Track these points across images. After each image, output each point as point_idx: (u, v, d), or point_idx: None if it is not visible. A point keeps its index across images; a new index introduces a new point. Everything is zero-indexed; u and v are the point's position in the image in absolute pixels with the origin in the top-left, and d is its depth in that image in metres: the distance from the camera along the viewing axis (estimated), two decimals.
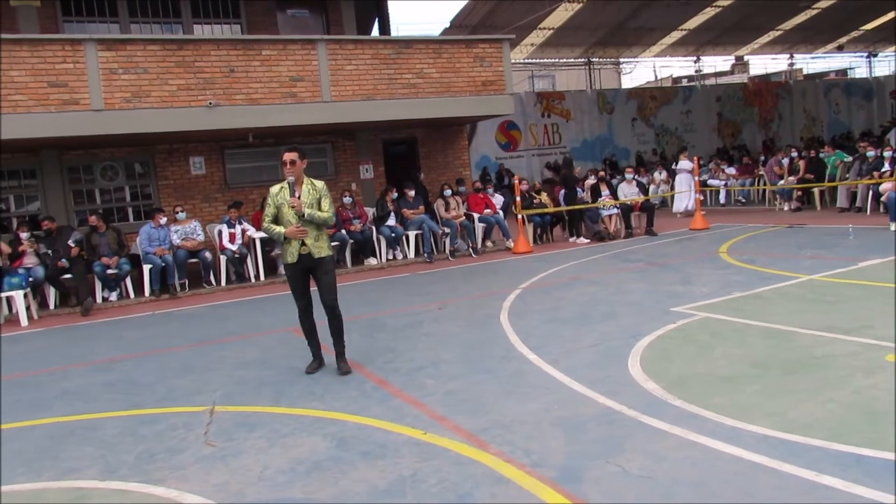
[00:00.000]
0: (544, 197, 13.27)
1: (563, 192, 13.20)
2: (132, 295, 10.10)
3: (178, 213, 10.57)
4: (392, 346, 6.29)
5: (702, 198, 14.75)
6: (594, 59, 26.04)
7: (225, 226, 10.64)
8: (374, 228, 11.76)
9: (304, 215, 5.29)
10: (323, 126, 11.57)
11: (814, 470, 3.14)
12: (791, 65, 32.13)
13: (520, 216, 12.05)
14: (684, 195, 15.45)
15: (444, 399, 4.67)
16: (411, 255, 12.04)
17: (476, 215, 12.43)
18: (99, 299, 9.89)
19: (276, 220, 5.46)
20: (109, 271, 9.78)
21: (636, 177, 13.93)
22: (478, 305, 7.79)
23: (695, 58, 27.75)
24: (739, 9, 23.22)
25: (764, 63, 32.75)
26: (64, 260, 9.49)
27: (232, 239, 10.59)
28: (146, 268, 10.06)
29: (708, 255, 9.74)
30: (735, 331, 5.62)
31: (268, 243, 11.09)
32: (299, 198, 5.30)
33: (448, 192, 12.43)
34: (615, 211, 12.75)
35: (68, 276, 9.55)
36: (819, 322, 5.58)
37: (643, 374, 4.75)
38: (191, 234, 10.50)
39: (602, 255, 10.86)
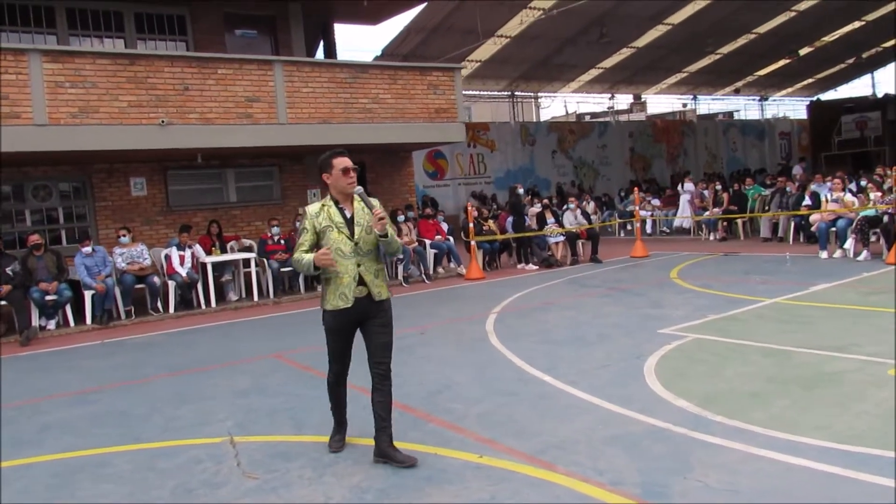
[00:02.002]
0: (492, 224, 13.46)
1: (510, 219, 13.43)
2: (72, 323, 9.37)
3: (122, 236, 9.93)
4: (393, 370, 6.13)
5: (638, 225, 15.39)
6: (517, 93, 26.79)
7: (175, 248, 10.11)
8: None
9: (386, 234, 3.95)
10: (273, 148, 11.29)
11: (886, 476, 3.31)
12: (684, 105, 34.30)
13: (472, 243, 12.14)
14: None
15: (480, 422, 4.60)
16: None
17: (428, 241, 12.42)
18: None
19: (312, 249, 4.00)
20: (48, 297, 9.04)
21: (580, 206, 14.34)
22: (459, 330, 7.76)
23: (609, 95, 29.10)
24: (653, 51, 24.66)
25: (660, 102, 34.76)
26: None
27: (182, 262, 10.07)
28: (88, 294, 9.38)
29: (662, 280, 10.15)
30: (734, 350, 5.87)
31: (218, 269, 10.62)
32: (352, 219, 3.95)
33: (401, 217, 12.37)
34: (561, 238, 13.08)
35: (2, 302, 8.75)
36: (808, 341, 5.92)
37: (668, 391, 4.87)
38: (137, 258, 9.90)
39: (556, 280, 11.09)
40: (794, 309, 7.40)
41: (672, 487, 3.41)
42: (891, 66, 32.90)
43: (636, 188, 15.07)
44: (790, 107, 35.02)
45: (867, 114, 31.36)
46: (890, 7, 24.82)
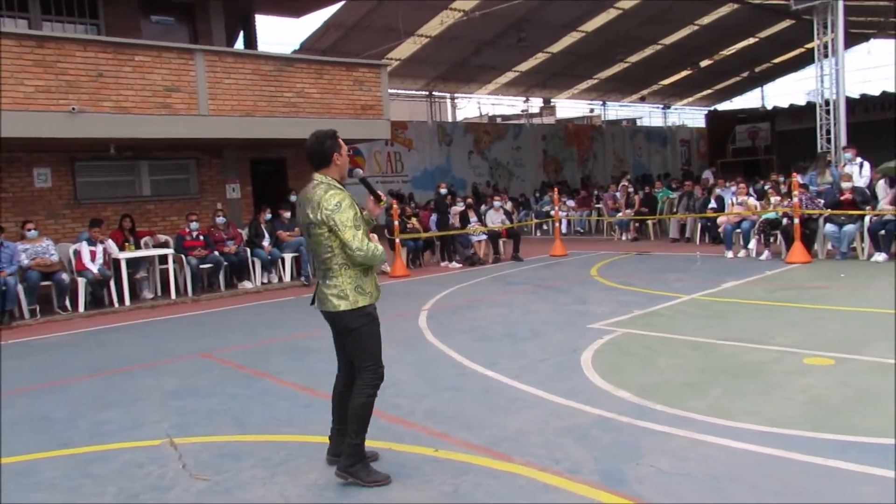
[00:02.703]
0: (415, 222, 13.47)
1: (434, 217, 13.48)
2: None
3: (28, 230, 9.28)
4: (332, 368, 6.03)
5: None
6: (435, 93, 26.93)
7: (85, 244, 9.54)
8: (248, 251, 11.18)
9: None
10: (191, 141, 10.87)
11: (820, 456, 3.56)
12: (591, 110, 35.53)
13: (397, 240, 12.11)
14: None
15: (430, 417, 4.61)
16: (287, 278, 11.60)
17: None
18: None
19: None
20: None
21: (503, 205, 14.56)
22: (392, 328, 7.66)
23: (524, 98, 29.73)
24: (566, 57, 25.39)
25: (568, 107, 35.75)
26: None
27: (93, 258, 9.52)
28: None
29: (584, 278, 10.47)
30: (662, 343, 6.14)
31: (132, 265, 10.10)
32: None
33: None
34: (484, 237, 13.26)
35: None
36: (728, 334, 6.26)
37: (607, 383, 5.04)
38: (43, 254, 9.28)
39: (481, 278, 11.23)
40: (711, 304, 7.82)
41: (627, 473, 3.53)
42: (779, 80, 35.28)
43: (555, 189, 15.45)
44: (690, 116, 36.91)
45: (758, 124, 33.44)
46: (781, 26, 26.66)
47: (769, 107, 35.47)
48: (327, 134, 3.64)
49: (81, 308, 9.48)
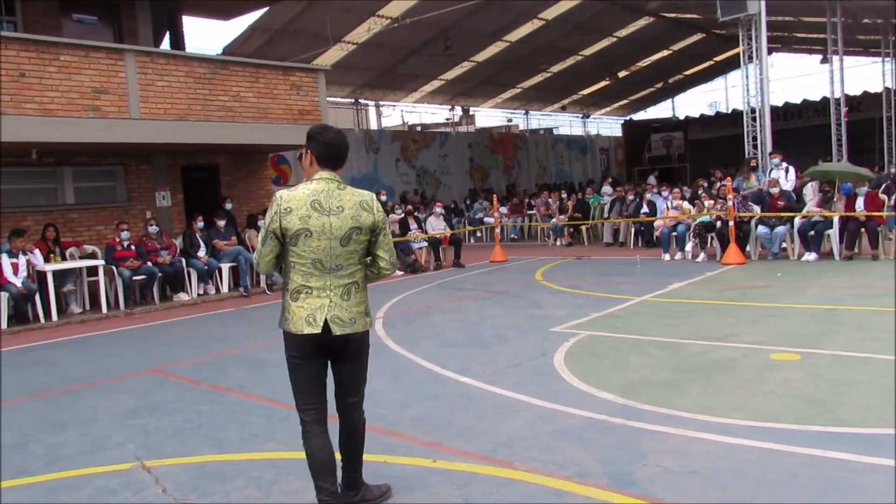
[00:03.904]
0: None
1: None
2: None
3: None
4: None
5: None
6: (361, 100, 26.66)
7: (5, 255, 8.83)
8: (183, 261, 10.66)
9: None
10: (119, 146, 10.28)
11: (816, 447, 3.65)
12: (509, 119, 36.12)
13: None
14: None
15: (417, 426, 4.47)
16: (225, 289, 11.13)
17: None
18: None
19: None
20: None
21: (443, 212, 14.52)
22: None
23: (450, 106, 29.86)
24: (491, 66, 25.69)
25: (488, 116, 36.18)
26: None
27: (15, 271, 8.82)
28: None
29: (531, 283, 10.54)
30: (629, 344, 6.22)
31: (59, 278, 9.44)
32: None
33: (262, 223, 11.77)
34: (425, 244, 13.17)
35: None
36: (690, 333, 6.42)
37: (587, 385, 5.05)
38: None
39: (427, 285, 11.13)
40: (664, 305, 8.01)
41: (636, 475, 3.52)
42: (690, 91, 36.95)
43: (494, 196, 15.55)
44: (607, 125, 38.08)
45: (672, 133, 34.95)
46: (692, 40, 27.95)
47: (681, 117, 37.11)
48: (343, 132, 3.18)
49: (4, 324, 8.76)
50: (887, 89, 20.26)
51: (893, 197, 10.35)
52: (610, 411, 4.46)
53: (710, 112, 36.40)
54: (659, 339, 6.33)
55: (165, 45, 13.22)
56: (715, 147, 31.98)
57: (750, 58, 13.15)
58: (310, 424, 3.08)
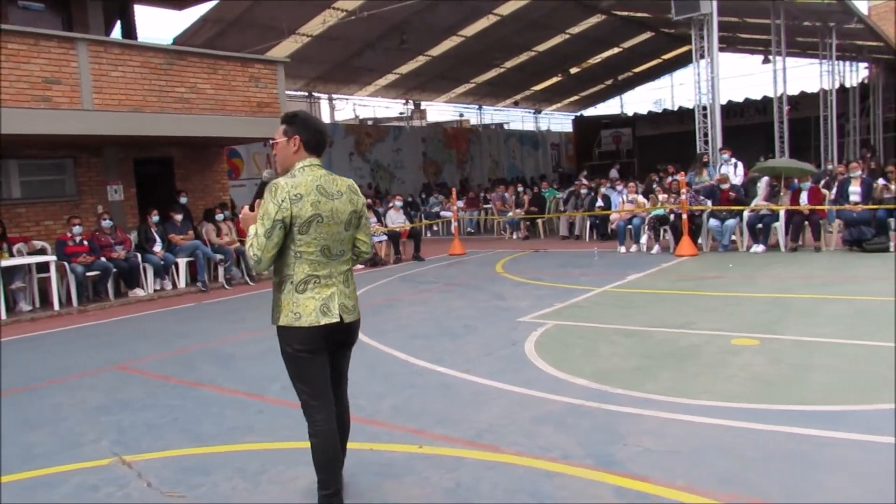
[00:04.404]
0: None
1: None
2: None
3: None
4: (269, 373, 5.76)
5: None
6: (315, 93, 26.39)
7: None
8: (139, 256, 10.40)
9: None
10: (70, 139, 9.98)
11: (784, 425, 3.85)
12: (461, 115, 36.30)
13: None
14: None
15: (397, 415, 4.52)
16: (182, 284, 10.91)
17: None
18: None
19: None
20: None
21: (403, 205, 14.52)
22: None
23: (404, 100, 29.82)
24: (446, 61, 25.74)
25: (439, 110, 36.24)
26: None
27: None
28: None
29: (492, 275, 10.67)
30: (596, 333, 6.39)
31: (7, 275, 9.11)
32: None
33: (220, 216, 11.59)
34: (385, 238, 13.17)
35: None
36: (653, 322, 6.62)
37: (561, 372, 5.17)
38: None
39: (388, 279, 11.14)
40: (624, 296, 8.23)
41: (617, 455, 3.64)
42: (638, 88, 37.73)
43: (453, 190, 15.65)
44: (559, 120, 38.59)
45: (621, 129, 35.69)
46: (641, 38, 28.55)
47: (629, 113, 37.88)
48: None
49: None
50: (824, 90, 21.12)
51: (833, 192, 10.84)
52: (585, 396, 4.59)
53: (657, 109, 37.28)
54: (624, 327, 6.52)
55: (116, 34, 12.84)
56: (662, 143, 32.79)
57: (701, 56, 13.55)
58: (320, 420, 3.01)
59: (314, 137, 3.03)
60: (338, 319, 2.94)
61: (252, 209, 3.07)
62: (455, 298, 8.86)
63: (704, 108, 13.59)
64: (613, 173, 20.00)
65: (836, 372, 4.75)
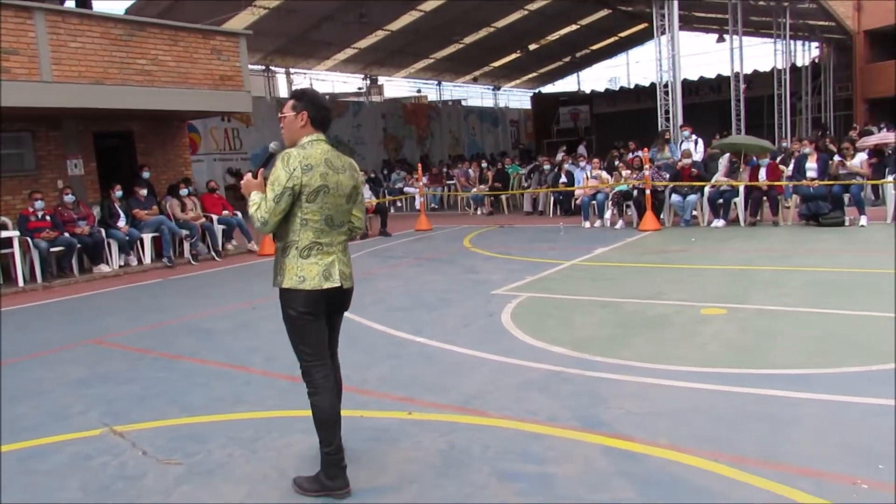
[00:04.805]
0: None
1: None
2: None
3: None
4: (250, 345, 5.80)
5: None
6: (272, 67, 25.94)
7: None
8: (103, 231, 10.20)
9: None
10: (28, 111, 9.67)
11: (756, 387, 4.07)
12: (418, 91, 36.13)
13: None
14: None
15: (384, 384, 4.62)
16: (147, 260, 10.75)
17: (215, 217, 11.65)
18: None
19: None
20: None
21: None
22: None
23: (362, 76, 29.52)
24: (405, 35, 25.54)
25: (397, 86, 35.94)
26: None
27: None
28: None
29: (461, 250, 10.79)
30: (569, 304, 6.58)
31: None
32: None
33: (184, 191, 11.41)
34: None
35: None
36: (623, 293, 6.84)
37: (539, 341, 5.33)
38: None
39: (357, 253, 11.15)
40: (593, 269, 8.45)
41: (602, 417, 3.82)
42: (596, 66, 38.07)
43: (419, 165, 15.66)
44: (517, 97, 38.72)
45: (579, 107, 36.02)
46: (599, 15, 28.77)
47: (586, 91, 38.22)
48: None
49: None
50: (778, 69, 21.69)
51: (790, 168, 11.23)
52: (565, 363, 4.76)
53: (612, 87, 37.70)
54: (596, 298, 6.72)
55: (71, 4, 12.40)
56: (619, 120, 33.24)
57: (662, 33, 13.79)
58: (320, 380, 3.15)
59: (320, 114, 3.15)
60: (338, 285, 3.10)
61: (255, 177, 3.12)
62: (428, 272, 8.96)
63: (666, 86, 13.89)
64: (582, 150, 20.18)
65: (801, 339, 5.02)
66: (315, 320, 3.12)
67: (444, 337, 5.64)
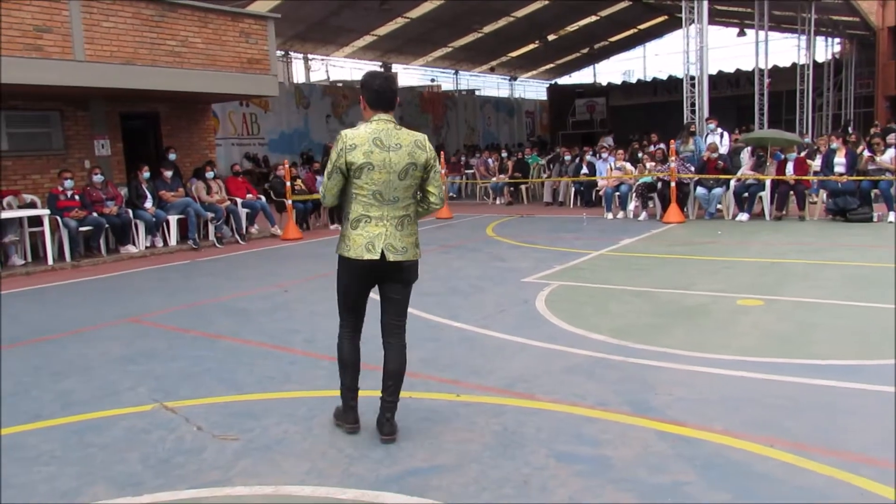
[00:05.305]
0: (300, 183, 13.06)
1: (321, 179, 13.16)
2: None
3: None
4: (289, 327, 5.84)
5: None
6: (291, 53, 25.92)
7: None
8: (130, 212, 10.27)
9: None
10: (59, 90, 9.72)
11: (802, 377, 4.08)
12: (432, 80, 36.00)
13: (289, 202, 11.71)
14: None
15: (428, 366, 4.64)
16: (173, 242, 10.81)
17: (240, 200, 11.69)
18: None
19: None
20: None
21: None
22: (322, 286, 7.53)
23: (381, 63, 29.45)
24: (425, 23, 25.47)
25: (408, 75, 35.74)
26: None
27: None
28: None
29: (485, 238, 10.80)
30: (603, 293, 6.58)
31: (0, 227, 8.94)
32: None
33: (210, 174, 11.46)
34: None
35: None
36: (656, 283, 6.85)
37: (578, 328, 5.34)
38: None
39: None
40: (622, 259, 8.45)
41: (652, 402, 3.83)
42: (613, 58, 37.85)
43: (442, 153, 15.65)
44: (533, 88, 38.56)
45: (595, 99, 35.85)
46: (619, 6, 28.58)
47: (602, 83, 38.05)
48: (394, 77, 3.58)
49: None
50: (801, 65, 21.52)
51: (818, 163, 11.17)
52: (607, 350, 4.77)
53: (628, 79, 37.50)
54: (629, 287, 6.72)
55: None
56: (634, 113, 33.14)
57: (691, 23, 13.68)
58: (346, 332, 3.60)
59: (374, 96, 3.35)
60: (378, 258, 3.30)
61: None
62: (455, 259, 8.98)
63: (693, 78, 13.82)
64: (609, 141, 20.03)
65: (841, 330, 5.01)
66: (352, 285, 3.45)
67: (480, 322, 5.66)
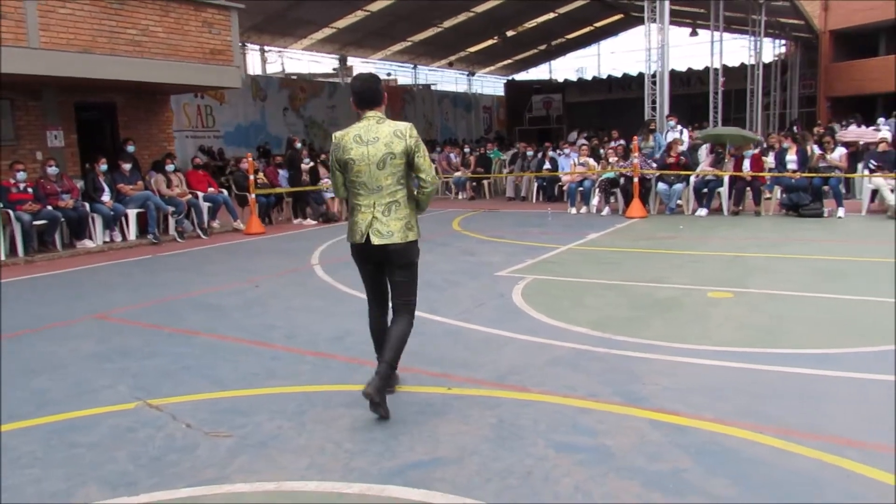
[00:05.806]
0: (261, 177, 12.85)
1: (284, 173, 12.98)
2: None
3: None
4: (265, 322, 5.76)
5: None
6: (248, 45, 25.42)
7: None
8: (87, 206, 9.94)
9: None
10: (6, 78, 9.33)
11: (780, 366, 4.23)
12: (388, 74, 35.89)
13: (252, 196, 11.52)
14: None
15: (416, 360, 4.59)
16: (132, 236, 10.51)
17: (201, 194, 11.44)
18: None
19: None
20: None
21: None
22: (297, 282, 7.46)
23: (338, 56, 29.17)
24: (384, 17, 25.30)
25: (366, 68, 35.44)
26: None
27: None
28: None
29: (452, 233, 10.82)
30: (577, 286, 6.68)
31: None
32: None
33: (170, 167, 11.18)
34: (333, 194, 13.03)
35: None
36: (627, 276, 6.97)
37: (557, 321, 5.41)
38: None
39: (345, 234, 11.09)
40: (590, 253, 8.57)
41: (640, 392, 3.91)
42: (569, 55, 38.26)
43: None
44: (490, 83, 38.71)
45: (551, 95, 36.20)
46: (577, 4, 28.91)
47: (558, 80, 38.43)
48: (376, 77, 3.83)
49: None
50: (750, 65, 22.14)
51: (771, 160, 11.53)
52: (590, 343, 4.84)
53: (582, 76, 37.97)
54: (601, 281, 6.84)
55: None
56: (589, 110, 33.63)
57: (640, 23, 13.92)
58: (371, 307, 3.98)
59: (355, 97, 3.70)
60: (363, 242, 3.63)
61: None
62: (425, 253, 8.81)
63: (654, 76, 14.08)
64: (574, 136, 20.20)
65: (812, 321, 5.20)
66: (360, 267, 3.85)
67: (460, 316, 5.68)
